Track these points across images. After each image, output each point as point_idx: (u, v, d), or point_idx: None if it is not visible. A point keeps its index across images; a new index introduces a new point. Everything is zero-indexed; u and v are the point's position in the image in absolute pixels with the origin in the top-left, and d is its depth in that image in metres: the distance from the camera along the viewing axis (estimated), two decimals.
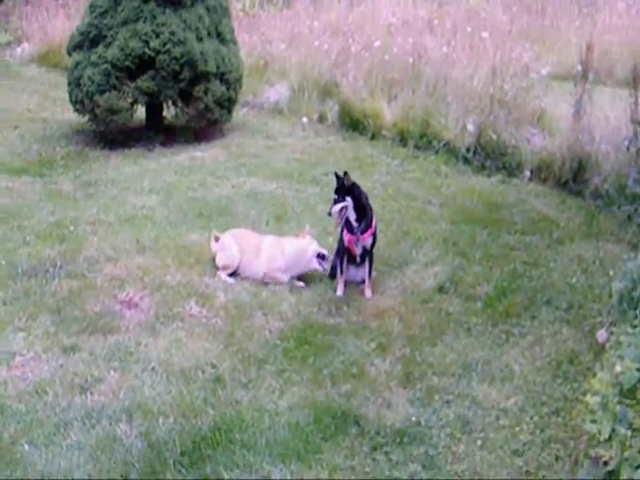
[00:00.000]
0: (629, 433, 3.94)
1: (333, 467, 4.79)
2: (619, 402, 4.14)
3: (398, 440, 5.05)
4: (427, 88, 12.11)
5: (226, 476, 4.67)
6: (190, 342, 6.14)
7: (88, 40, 11.52)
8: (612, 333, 5.34)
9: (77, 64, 11.56)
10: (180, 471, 4.73)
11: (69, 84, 11.72)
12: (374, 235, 7.11)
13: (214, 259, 7.47)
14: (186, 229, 8.35)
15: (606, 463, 3.88)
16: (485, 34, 13.26)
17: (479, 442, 5.07)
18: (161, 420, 5.16)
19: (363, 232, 7.01)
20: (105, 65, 11.14)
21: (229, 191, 9.64)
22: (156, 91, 11.31)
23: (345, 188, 6.92)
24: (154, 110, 12.25)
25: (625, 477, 3.69)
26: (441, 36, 14.00)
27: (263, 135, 12.46)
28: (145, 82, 11.20)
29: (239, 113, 13.33)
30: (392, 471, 4.79)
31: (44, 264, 7.35)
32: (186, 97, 11.72)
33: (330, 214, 7.03)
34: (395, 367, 5.90)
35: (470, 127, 10.99)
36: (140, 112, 12.15)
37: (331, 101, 13.39)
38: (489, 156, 10.72)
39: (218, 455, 4.85)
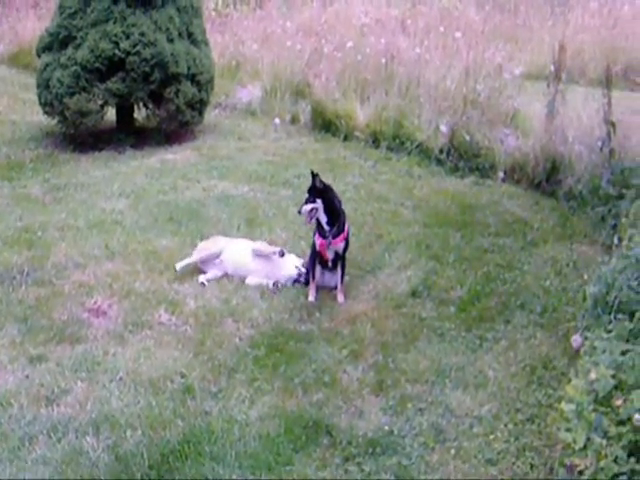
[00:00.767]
0: (604, 442, 3.89)
1: (304, 479, 4.71)
2: (594, 410, 4.09)
3: (371, 450, 4.98)
4: (400, 89, 12.07)
5: None
6: (159, 351, 6.03)
7: (57, 41, 11.37)
8: (586, 338, 5.27)
9: (46, 66, 11.42)
10: None
11: (38, 86, 11.57)
12: (346, 240, 7.05)
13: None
14: (156, 234, 8.24)
15: (581, 472, 3.83)
16: (458, 34, 13.22)
17: (453, 451, 5.00)
18: (129, 432, 5.06)
19: (335, 236, 6.93)
20: (75, 67, 11.00)
21: (200, 194, 9.54)
22: (126, 93, 11.18)
23: (317, 189, 6.85)
24: (125, 112, 12.13)
25: None
26: (414, 36, 13.93)
27: (235, 137, 12.36)
28: (115, 84, 11.06)
29: (211, 114, 13.23)
30: None
31: (11, 271, 7.24)
32: (157, 99, 11.60)
33: (300, 212, 6.97)
34: (368, 374, 5.82)
35: (443, 128, 10.93)
36: (110, 114, 12.01)
37: (304, 102, 13.32)
38: (462, 157, 10.68)
39: (187, 468, 4.75)
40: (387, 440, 5.08)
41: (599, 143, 9.17)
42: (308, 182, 6.89)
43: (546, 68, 10.85)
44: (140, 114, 12.38)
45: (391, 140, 11.49)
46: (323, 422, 5.22)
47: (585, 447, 3.92)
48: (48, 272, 7.27)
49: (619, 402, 4.07)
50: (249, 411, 5.34)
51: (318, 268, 7.09)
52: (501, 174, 10.24)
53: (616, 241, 7.05)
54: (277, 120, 12.91)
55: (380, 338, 6.33)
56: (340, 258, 7.04)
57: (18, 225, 8.40)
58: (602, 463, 3.76)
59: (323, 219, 6.92)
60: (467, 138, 10.65)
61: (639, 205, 7.03)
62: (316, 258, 7.05)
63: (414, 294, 7.09)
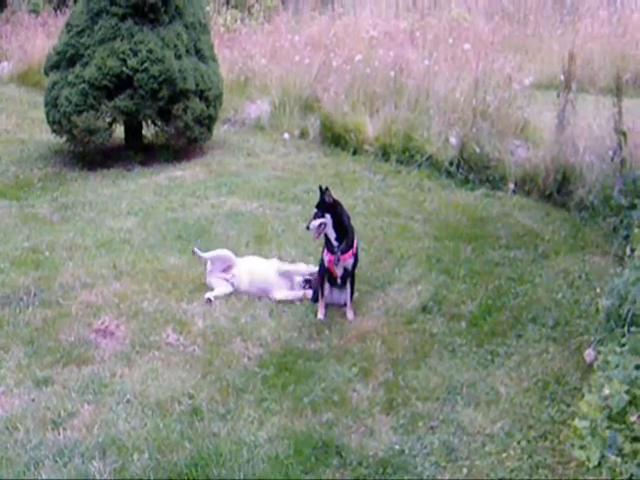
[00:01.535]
0: (619, 460, 3.82)
1: None
2: (608, 427, 4.02)
3: (381, 470, 4.89)
4: (409, 101, 12.04)
5: None
6: (166, 372, 5.96)
7: (65, 60, 11.40)
8: (599, 352, 5.20)
9: (54, 84, 11.45)
10: None
11: (46, 105, 11.60)
12: (355, 256, 6.97)
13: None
14: (164, 252, 8.19)
15: None
16: (467, 45, 13.20)
17: (465, 470, 4.91)
18: (136, 456, 4.98)
19: (344, 252, 6.86)
20: (82, 85, 11.02)
21: (209, 211, 9.49)
22: (134, 110, 11.18)
23: (326, 204, 6.79)
24: (133, 129, 12.14)
25: None
26: (423, 48, 13.93)
27: (244, 152, 12.34)
28: (123, 101, 11.06)
29: (220, 130, 13.23)
30: None
31: (18, 292, 7.19)
32: (165, 116, 11.60)
33: (308, 228, 6.90)
34: (378, 393, 5.74)
35: (453, 140, 10.87)
36: (119, 131, 12.04)
37: (312, 116, 13.32)
38: (472, 169, 10.61)
39: None
40: (398, 460, 5.00)
41: (610, 153, 9.10)
42: (317, 198, 6.84)
43: (556, 78, 10.81)
44: (148, 131, 12.39)
45: (401, 153, 11.45)
46: (333, 442, 5.14)
47: (599, 465, 3.87)
48: (55, 293, 7.22)
49: (634, 418, 4.01)
50: (258, 432, 5.25)
51: (327, 285, 7.02)
52: (512, 186, 10.16)
53: (628, 252, 6.97)
54: (286, 135, 12.89)
55: (390, 355, 6.25)
56: (349, 275, 6.96)
57: (25, 245, 8.37)
58: None
59: (332, 235, 6.85)
60: (477, 150, 10.58)
61: None
62: (325, 275, 6.99)
63: (424, 309, 7.01)
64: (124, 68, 10.92)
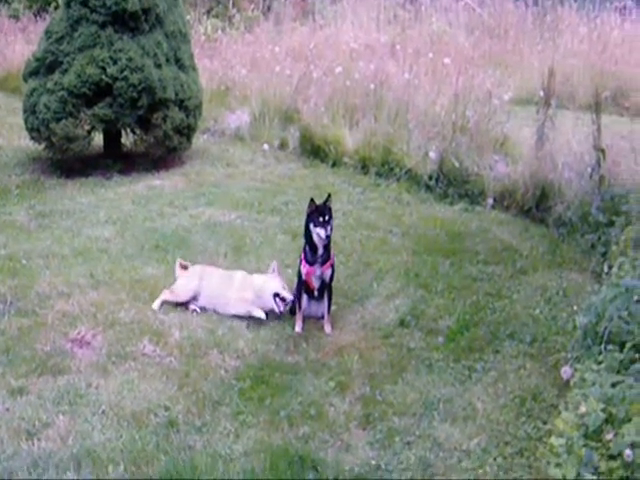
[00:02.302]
0: (595, 478, 3.82)
1: None
2: (584, 445, 4.02)
3: None
4: (389, 115, 12.04)
5: None
6: (143, 383, 5.91)
7: (44, 66, 11.32)
8: (576, 369, 5.20)
9: (33, 91, 11.37)
10: None
11: (24, 111, 11.51)
12: (332, 267, 6.96)
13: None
14: (142, 262, 8.15)
15: None
16: (447, 60, 13.24)
17: None
18: (110, 468, 4.94)
19: (323, 263, 6.85)
20: (61, 92, 10.94)
21: (187, 221, 9.47)
22: (114, 118, 11.12)
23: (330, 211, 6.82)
24: (112, 137, 12.08)
25: None
26: (403, 61, 13.92)
27: (223, 163, 12.32)
28: (102, 109, 11.00)
29: (199, 140, 13.20)
30: None
31: None
32: (144, 124, 11.55)
33: (329, 236, 6.79)
34: (355, 407, 5.72)
35: (432, 154, 10.88)
36: (98, 140, 11.98)
37: (292, 127, 13.30)
38: (451, 184, 10.63)
39: None
40: (374, 475, 4.99)
41: (589, 170, 9.14)
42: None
43: (536, 93, 10.85)
44: (128, 139, 12.34)
45: (380, 166, 11.46)
46: (309, 457, 5.10)
47: None
48: (32, 301, 7.16)
49: (610, 436, 4.00)
50: (234, 445, 5.23)
51: (305, 298, 7.00)
52: (490, 201, 10.18)
53: (606, 269, 7.01)
54: (266, 146, 12.88)
55: (367, 370, 6.23)
56: (326, 286, 6.95)
57: (2, 253, 8.30)
58: None
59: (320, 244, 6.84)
60: (456, 164, 10.60)
61: (629, 232, 6.98)
62: (302, 287, 6.96)
63: (402, 324, 7.00)
64: (103, 76, 10.85)
